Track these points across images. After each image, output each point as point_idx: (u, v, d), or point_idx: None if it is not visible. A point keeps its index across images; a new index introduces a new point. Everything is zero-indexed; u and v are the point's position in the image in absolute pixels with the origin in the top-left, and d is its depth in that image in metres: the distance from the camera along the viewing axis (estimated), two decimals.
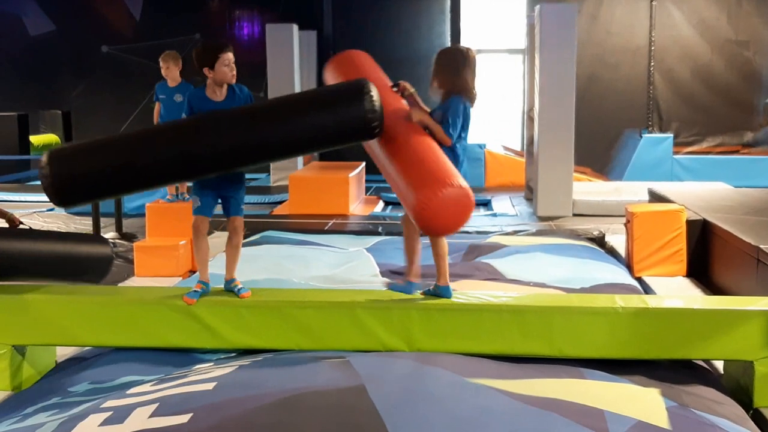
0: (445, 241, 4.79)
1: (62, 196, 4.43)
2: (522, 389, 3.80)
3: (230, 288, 4.84)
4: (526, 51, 12.38)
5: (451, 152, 4.70)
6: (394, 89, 4.93)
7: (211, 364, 4.33)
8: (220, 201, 4.89)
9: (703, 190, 9.15)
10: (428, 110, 4.79)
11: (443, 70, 4.84)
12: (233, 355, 4.67)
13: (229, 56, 4.73)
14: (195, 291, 4.72)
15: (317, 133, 4.59)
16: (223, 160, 4.51)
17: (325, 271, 6.82)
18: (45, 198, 11.62)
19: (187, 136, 4.52)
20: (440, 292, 4.73)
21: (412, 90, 4.88)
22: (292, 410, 3.35)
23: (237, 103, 4.78)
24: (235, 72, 4.78)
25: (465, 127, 4.80)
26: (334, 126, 4.58)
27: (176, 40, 17.32)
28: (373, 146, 4.87)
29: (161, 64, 8.14)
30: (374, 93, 4.51)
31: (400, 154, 4.59)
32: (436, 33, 16.78)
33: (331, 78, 5.13)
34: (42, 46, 17.75)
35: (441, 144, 4.68)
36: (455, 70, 4.80)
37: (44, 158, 4.38)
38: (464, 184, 4.37)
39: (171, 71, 8.16)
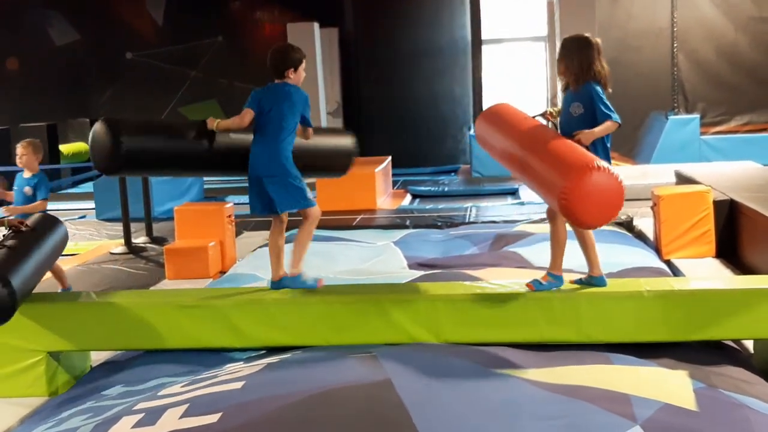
0: (590, 233, 4.72)
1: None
2: (547, 378, 3.82)
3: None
4: (548, 38, 12.34)
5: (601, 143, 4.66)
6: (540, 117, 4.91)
7: (241, 363, 4.39)
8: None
9: (730, 170, 9.09)
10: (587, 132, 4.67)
11: (571, 57, 4.80)
12: (263, 352, 4.73)
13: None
14: None
15: None
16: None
17: (353, 266, 6.86)
18: (76, 206, 11.72)
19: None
20: (594, 282, 4.69)
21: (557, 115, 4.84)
22: (319, 408, 3.40)
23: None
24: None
25: None
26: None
27: (199, 43, 17.48)
28: (512, 151, 4.77)
29: (18, 151, 6.59)
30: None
31: (541, 152, 4.48)
32: (457, 24, 16.74)
33: (483, 131, 5.16)
34: (67, 55, 17.94)
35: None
36: (587, 56, 4.77)
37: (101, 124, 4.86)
38: (611, 168, 4.21)
39: (29, 161, 6.55)
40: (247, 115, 4.86)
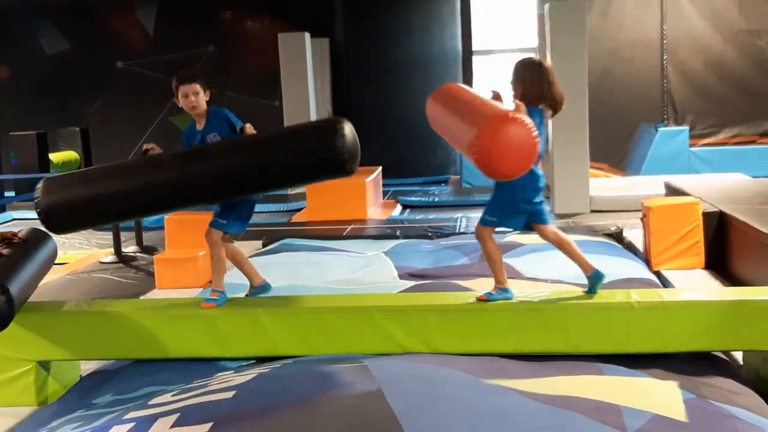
0: (563, 237, 4.82)
1: (53, 223, 4.60)
2: (539, 388, 3.83)
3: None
4: (538, 49, 12.38)
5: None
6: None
7: (232, 372, 4.39)
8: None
9: (720, 182, 9.14)
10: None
11: (521, 81, 4.77)
12: (253, 362, 4.73)
13: (186, 88, 4.93)
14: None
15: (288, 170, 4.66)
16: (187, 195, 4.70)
17: (344, 276, 6.86)
18: None
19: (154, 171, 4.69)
20: (593, 280, 4.74)
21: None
22: (311, 418, 3.39)
23: (214, 129, 4.96)
24: (194, 102, 4.95)
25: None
26: (306, 164, 4.61)
27: (190, 53, 17.48)
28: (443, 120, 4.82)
29: None
30: (347, 130, 4.48)
31: (462, 112, 4.57)
32: (447, 35, 16.81)
33: (433, 111, 5.11)
34: (58, 64, 17.92)
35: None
36: (532, 81, 4.75)
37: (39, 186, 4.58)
38: (521, 117, 4.24)
39: None
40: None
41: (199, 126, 5.03)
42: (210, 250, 5.05)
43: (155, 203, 4.73)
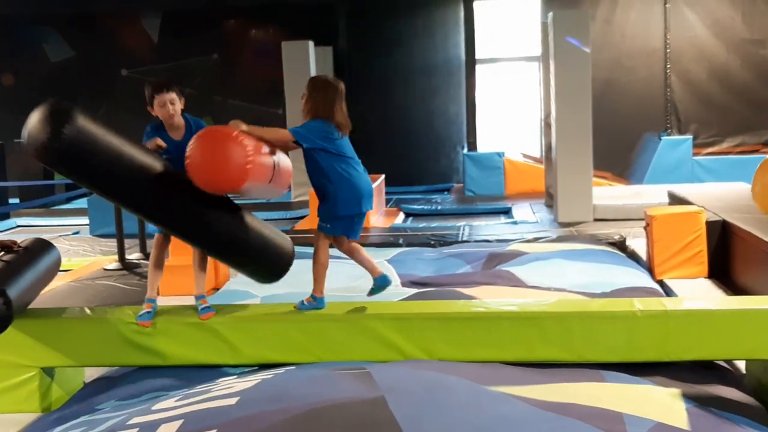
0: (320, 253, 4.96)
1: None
2: (541, 395, 3.83)
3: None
4: (541, 58, 12.41)
5: (323, 175, 4.77)
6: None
7: (235, 377, 4.40)
8: None
9: (723, 191, 9.13)
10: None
11: (312, 98, 4.86)
12: (256, 367, 4.74)
13: (165, 97, 4.84)
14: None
15: None
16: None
17: (346, 283, 6.87)
18: (70, 222, 11.72)
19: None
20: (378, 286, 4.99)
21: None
22: (313, 424, 3.40)
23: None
24: (172, 111, 4.87)
25: (336, 149, 4.79)
26: None
27: (194, 61, 17.54)
28: None
29: None
30: None
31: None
32: (451, 43, 16.85)
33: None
34: (63, 71, 17.98)
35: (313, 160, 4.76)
36: (324, 98, 4.85)
37: None
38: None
39: None
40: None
41: (176, 136, 4.89)
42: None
43: (164, 219, 4.71)
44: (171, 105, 4.86)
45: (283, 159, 4.89)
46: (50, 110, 4.15)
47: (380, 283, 4.98)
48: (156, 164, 4.51)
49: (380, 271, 4.99)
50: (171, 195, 4.52)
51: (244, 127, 4.47)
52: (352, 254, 5.01)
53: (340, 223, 4.86)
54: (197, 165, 4.37)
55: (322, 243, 4.95)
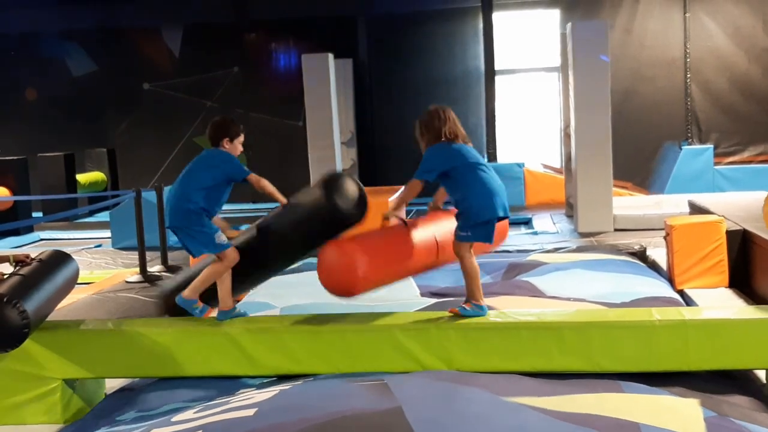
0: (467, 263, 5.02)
1: None
2: (558, 406, 3.83)
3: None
4: (560, 68, 12.40)
5: (458, 189, 5.00)
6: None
7: (253, 388, 4.42)
8: None
9: (744, 200, 9.08)
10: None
11: (424, 136, 5.22)
12: (274, 378, 4.76)
13: (242, 137, 5.30)
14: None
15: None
16: None
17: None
18: (93, 235, 11.75)
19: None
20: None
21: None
22: None
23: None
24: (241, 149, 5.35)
25: (461, 162, 4.99)
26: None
27: (215, 74, 17.65)
28: None
29: None
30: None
31: None
32: (470, 54, 16.86)
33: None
34: (85, 86, 18.13)
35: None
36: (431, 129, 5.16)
37: None
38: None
39: None
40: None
41: None
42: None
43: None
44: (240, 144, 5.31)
45: (445, 228, 5.13)
46: None
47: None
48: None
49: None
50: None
51: (393, 212, 5.15)
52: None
53: (480, 229, 4.93)
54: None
55: (467, 252, 5.00)
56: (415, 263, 5.19)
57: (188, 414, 3.90)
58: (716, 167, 14.23)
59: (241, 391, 4.39)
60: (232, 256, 5.13)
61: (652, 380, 4.41)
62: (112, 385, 5.25)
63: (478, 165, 4.99)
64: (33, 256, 5.24)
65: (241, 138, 5.27)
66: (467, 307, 4.88)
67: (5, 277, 4.85)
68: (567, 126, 11.70)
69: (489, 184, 4.93)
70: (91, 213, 15.18)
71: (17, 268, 5.01)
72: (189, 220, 5.07)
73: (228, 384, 4.72)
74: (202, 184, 5.10)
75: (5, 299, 4.42)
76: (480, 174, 4.95)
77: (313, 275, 7.76)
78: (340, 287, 4.87)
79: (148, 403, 4.63)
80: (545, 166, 15.36)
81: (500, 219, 4.99)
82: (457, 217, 5.03)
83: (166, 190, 7.53)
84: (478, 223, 4.91)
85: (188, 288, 5.14)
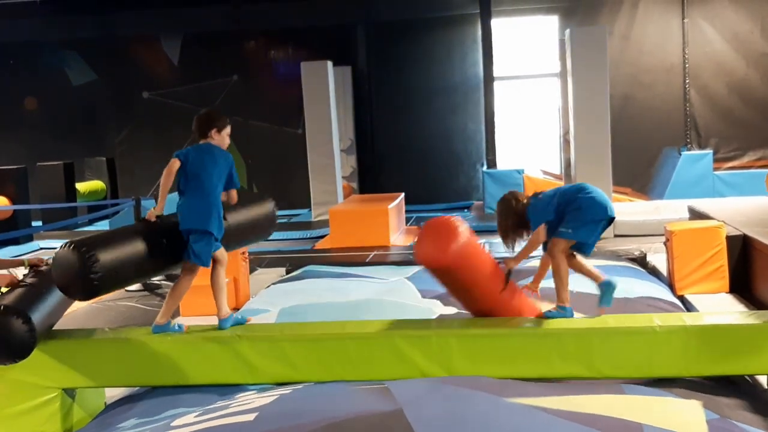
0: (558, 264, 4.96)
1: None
2: (561, 406, 3.82)
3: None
4: (559, 75, 12.41)
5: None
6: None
7: (253, 393, 4.41)
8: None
9: (744, 205, 9.09)
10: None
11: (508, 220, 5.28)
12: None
13: (229, 129, 5.28)
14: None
15: None
16: None
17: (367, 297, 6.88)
18: None
19: None
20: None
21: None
22: None
23: None
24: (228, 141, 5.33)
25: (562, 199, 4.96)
26: None
27: (214, 83, 17.67)
28: None
29: None
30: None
31: None
32: (469, 61, 16.90)
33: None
34: (85, 95, 18.16)
35: None
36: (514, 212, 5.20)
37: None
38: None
39: None
40: (174, 164, 4.98)
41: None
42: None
43: None
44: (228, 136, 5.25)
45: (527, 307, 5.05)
46: None
47: (606, 288, 4.92)
48: None
49: (603, 277, 4.98)
50: None
51: (513, 264, 5.01)
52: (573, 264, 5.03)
53: (587, 228, 4.83)
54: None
55: (560, 252, 4.91)
56: (484, 291, 5.01)
57: (188, 418, 3.89)
58: (715, 172, 14.26)
59: (240, 395, 4.38)
60: (224, 255, 5.15)
61: (654, 382, 4.41)
62: (112, 394, 5.24)
63: (578, 186, 5.02)
64: (45, 259, 5.22)
65: (228, 129, 5.21)
66: (553, 310, 4.85)
67: (19, 281, 4.84)
68: (566, 132, 11.71)
69: (597, 191, 4.91)
70: (91, 222, 15.18)
71: (30, 271, 5.01)
72: (209, 226, 4.98)
73: (227, 388, 4.70)
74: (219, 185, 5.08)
75: (12, 311, 4.40)
76: (586, 185, 4.96)
77: (313, 282, 7.80)
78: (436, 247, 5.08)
79: (148, 410, 4.60)
80: (545, 173, 15.37)
81: (610, 222, 4.91)
82: (564, 219, 4.89)
83: None
84: (588, 221, 4.80)
85: (159, 314, 5.00)
